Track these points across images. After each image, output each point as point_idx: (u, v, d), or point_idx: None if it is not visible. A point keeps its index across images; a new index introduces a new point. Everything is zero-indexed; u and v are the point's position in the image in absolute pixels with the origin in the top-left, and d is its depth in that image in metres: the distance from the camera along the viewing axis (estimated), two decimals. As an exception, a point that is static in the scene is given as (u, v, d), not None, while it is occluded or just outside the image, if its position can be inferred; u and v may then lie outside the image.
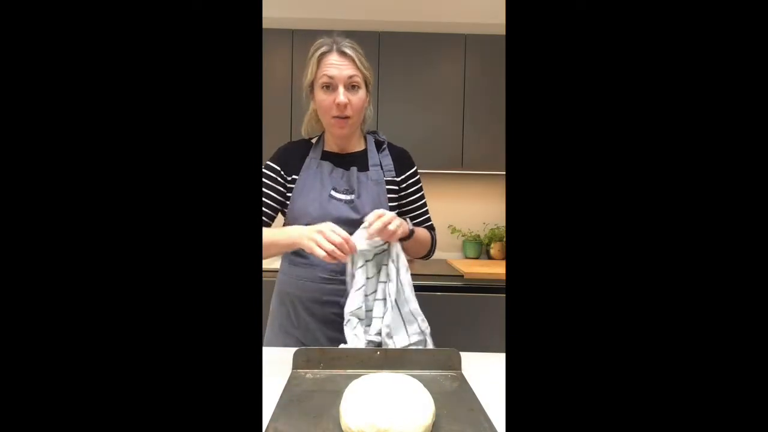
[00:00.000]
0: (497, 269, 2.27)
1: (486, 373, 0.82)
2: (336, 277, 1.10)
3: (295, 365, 0.82)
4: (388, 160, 1.22)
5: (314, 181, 1.16)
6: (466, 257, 2.69)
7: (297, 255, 1.16)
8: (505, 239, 2.60)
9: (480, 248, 2.67)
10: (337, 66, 1.08)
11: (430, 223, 1.31)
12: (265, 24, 2.40)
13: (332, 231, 0.93)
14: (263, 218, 1.18)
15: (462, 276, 2.21)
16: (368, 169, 1.19)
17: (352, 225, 1.05)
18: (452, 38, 2.49)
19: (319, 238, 0.92)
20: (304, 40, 2.52)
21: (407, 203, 1.25)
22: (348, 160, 1.19)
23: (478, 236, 2.71)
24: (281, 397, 0.71)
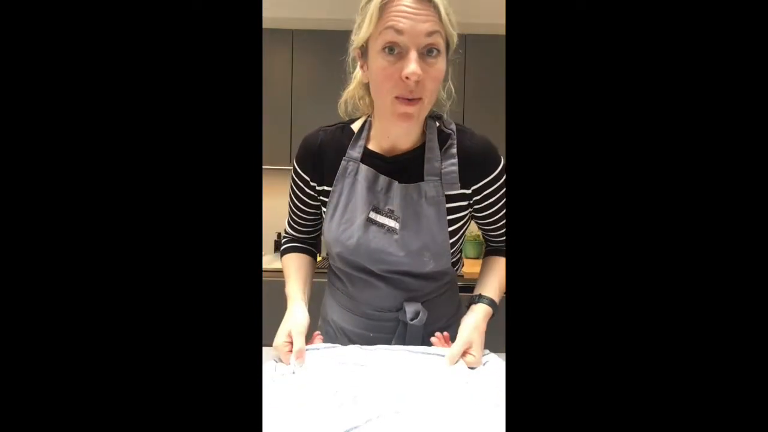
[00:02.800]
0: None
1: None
2: (384, 314, 0.89)
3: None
4: (452, 166, 0.81)
5: (350, 195, 0.84)
6: (466, 257, 2.69)
7: (337, 278, 0.94)
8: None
9: (480, 248, 2.68)
10: (412, 15, 0.67)
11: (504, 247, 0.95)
12: (265, 24, 2.41)
13: (286, 344, 0.79)
14: (300, 231, 0.98)
15: (462, 276, 2.21)
16: (423, 179, 0.82)
17: (392, 264, 0.83)
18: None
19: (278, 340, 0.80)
20: (304, 39, 2.53)
21: (484, 217, 0.88)
22: (397, 166, 0.83)
23: (478, 236, 2.70)
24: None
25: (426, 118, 0.84)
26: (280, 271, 1.00)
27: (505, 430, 0.58)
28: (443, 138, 0.84)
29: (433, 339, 0.85)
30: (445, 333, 0.86)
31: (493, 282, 0.90)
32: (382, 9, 0.69)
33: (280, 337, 0.81)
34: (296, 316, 0.84)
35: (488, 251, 0.99)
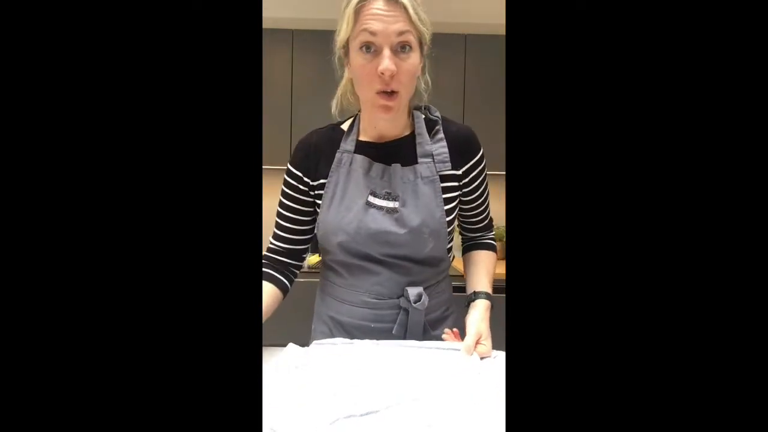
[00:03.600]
0: (497, 269, 2.27)
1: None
2: (385, 301, 0.90)
3: None
4: (442, 148, 0.89)
5: (347, 183, 0.88)
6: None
7: (334, 273, 0.95)
8: (505, 239, 2.60)
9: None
10: (383, 17, 0.75)
11: (492, 234, 1.03)
12: (265, 24, 2.40)
13: None
14: (287, 240, 0.95)
15: (462, 276, 2.20)
16: (417, 162, 0.88)
17: (394, 245, 0.86)
18: (452, 38, 2.49)
19: None
20: (304, 40, 2.53)
21: (468, 202, 0.95)
22: (389, 152, 0.89)
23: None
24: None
25: (412, 110, 0.92)
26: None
27: (505, 427, 0.58)
28: (430, 125, 0.91)
29: (444, 336, 0.88)
30: (455, 329, 0.89)
31: (482, 276, 0.97)
32: (357, 12, 0.77)
33: None
34: None
35: (467, 246, 1.04)
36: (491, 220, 1.04)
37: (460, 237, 1.07)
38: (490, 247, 1.03)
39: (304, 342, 0.89)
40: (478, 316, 0.88)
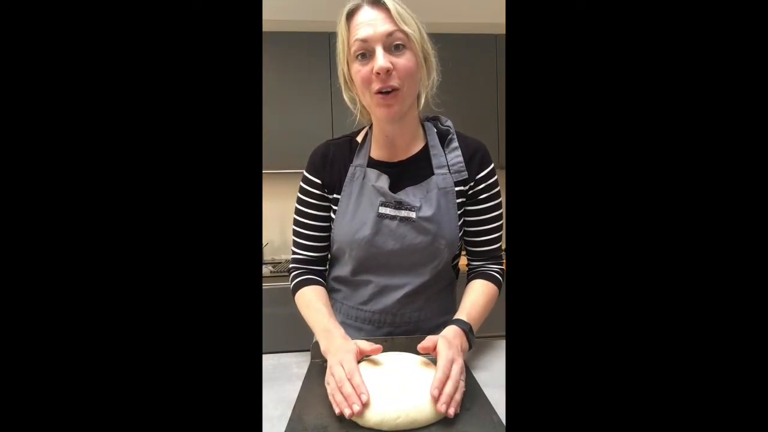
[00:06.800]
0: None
1: (485, 360, 0.84)
2: (395, 318, 0.92)
3: (313, 356, 0.84)
4: (457, 158, 0.88)
5: (360, 197, 0.87)
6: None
7: (337, 281, 0.95)
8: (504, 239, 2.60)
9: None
10: (371, 23, 0.78)
11: (498, 267, 0.93)
12: (265, 26, 2.40)
13: (341, 379, 0.65)
14: (308, 249, 0.93)
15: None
16: (434, 174, 0.88)
17: (408, 255, 0.86)
18: (452, 38, 2.49)
19: (332, 381, 0.66)
20: (302, 41, 2.53)
21: (474, 213, 0.90)
22: (401, 169, 0.88)
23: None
24: (301, 387, 0.73)
25: (423, 122, 0.92)
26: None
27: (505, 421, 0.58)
28: (443, 134, 0.91)
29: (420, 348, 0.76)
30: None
31: (467, 305, 0.86)
32: (348, 24, 0.81)
33: (340, 373, 0.66)
34: (349, 344, 0.74)
35: (470, 277, 0.96)
36: (500, 248, 0.94)
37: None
38: (492, 279, 0.91)
39: (303, 346, 0.90)
40: (443, 347, 0.71)
